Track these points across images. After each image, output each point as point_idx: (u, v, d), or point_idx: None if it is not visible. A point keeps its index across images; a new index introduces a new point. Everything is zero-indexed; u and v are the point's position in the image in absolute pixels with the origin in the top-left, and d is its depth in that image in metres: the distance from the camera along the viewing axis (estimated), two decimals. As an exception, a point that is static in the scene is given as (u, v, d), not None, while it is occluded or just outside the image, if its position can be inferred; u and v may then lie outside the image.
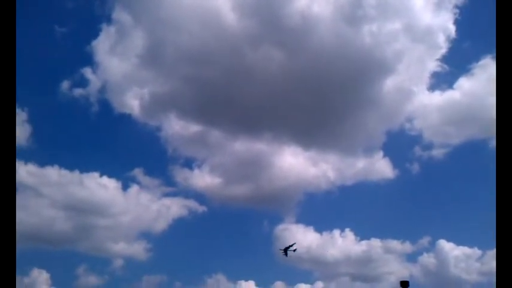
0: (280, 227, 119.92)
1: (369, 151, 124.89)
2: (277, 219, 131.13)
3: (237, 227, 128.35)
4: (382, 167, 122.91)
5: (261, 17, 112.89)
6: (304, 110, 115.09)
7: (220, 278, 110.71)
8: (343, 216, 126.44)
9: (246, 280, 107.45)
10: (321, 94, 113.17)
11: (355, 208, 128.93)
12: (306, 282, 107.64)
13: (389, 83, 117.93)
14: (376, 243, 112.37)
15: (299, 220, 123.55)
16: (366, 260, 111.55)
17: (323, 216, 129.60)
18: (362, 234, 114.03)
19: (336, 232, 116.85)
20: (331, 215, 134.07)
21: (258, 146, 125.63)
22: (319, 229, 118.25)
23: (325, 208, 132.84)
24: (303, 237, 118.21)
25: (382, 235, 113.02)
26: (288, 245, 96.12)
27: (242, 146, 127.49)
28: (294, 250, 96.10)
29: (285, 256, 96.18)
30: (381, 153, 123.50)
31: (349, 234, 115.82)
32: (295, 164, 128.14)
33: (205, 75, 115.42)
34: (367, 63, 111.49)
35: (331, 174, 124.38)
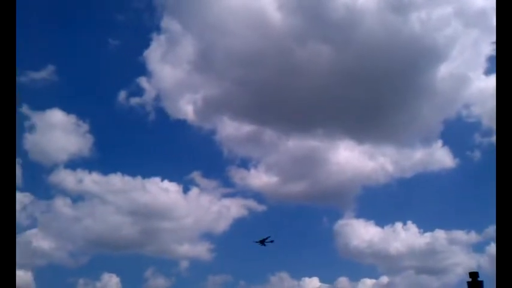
0: (340, 222, 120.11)
1: (426, 141, 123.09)
2: (336, 215, 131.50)
3: (296, 225, 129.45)
4: (441, 157, 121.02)
5: (306, 13, 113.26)
6: (355, 104, 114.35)
7: (284, 275, 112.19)
8: (405, 209, 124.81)
9: (310, 277, 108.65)
10: (372, 86, 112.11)
11: (416, 200, 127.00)
12: (370, 277, 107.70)
13: (443, 70, 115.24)
14: (440, 234, 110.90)
15: (359, 215, 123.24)
16: (430, 252, 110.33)
17: (383, 210, 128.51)
18: (425, 226, 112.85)
19: (398, 225, 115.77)
20: (391, 208, 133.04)
21: (312, 143, 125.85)
22: (380, 223, 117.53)
23: (385, 201, 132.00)
24: (364, 232, 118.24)
25: (446, 226, 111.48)
26: (264, 238, 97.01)
27: (296, 143, 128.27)
28: (271, 241, 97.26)
29: (262, 245, 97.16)
30: (440, 143, 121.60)
31: (412, 226, 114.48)
32: (350, 158, 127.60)
33: (255, 76, 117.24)
34: (418, 51, 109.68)
35: (389, 167, 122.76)
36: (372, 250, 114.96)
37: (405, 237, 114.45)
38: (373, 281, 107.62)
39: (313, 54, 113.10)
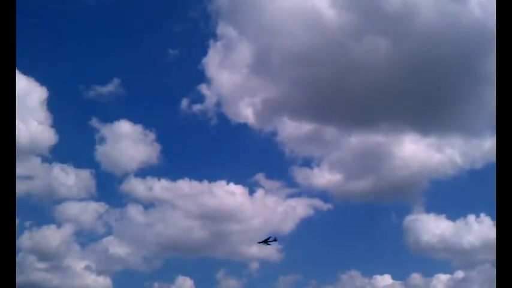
0: (409, 218, 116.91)
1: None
2: (405, 211, 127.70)
3: (364, 222, 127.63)
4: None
5: (360, 8, 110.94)
6: (418, 96, 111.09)
7: (354, 274, 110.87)
8: (477, 201, 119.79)
9: (381, 274, 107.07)
10: (433, 77, 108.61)
11: (489, 191, 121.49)
12: (444, 273, 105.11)
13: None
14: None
15: (428, 209, 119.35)
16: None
17: (454, 203, 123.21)
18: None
19: (471, 218, 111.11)
20: (462, 201, 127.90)
21: (375, 138, 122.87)
22: (451, 217, 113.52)
23: (456, 194, 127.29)
24: (435, 226, 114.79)
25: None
26: (266, 238, 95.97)
27: (358, 139, 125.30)
28: (275, 240, 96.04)
29: (266, 245, 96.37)
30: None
31: (485, 219, 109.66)
32: (416, 151, 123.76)
33: (312, 75, 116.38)
34: (480, 37, 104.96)
35: (458, 159, 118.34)
36: (444, 245, 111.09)
37: (479, 230, 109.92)
38: (448, 276, 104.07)
39: (371, 49, 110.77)
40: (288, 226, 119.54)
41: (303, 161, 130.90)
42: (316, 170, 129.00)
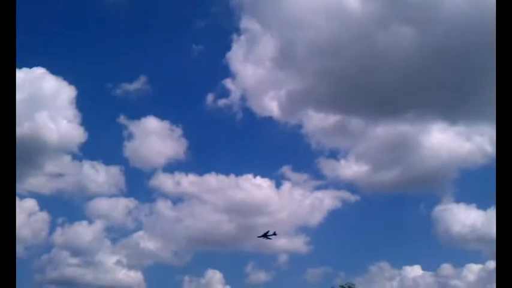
0: (438, 208, 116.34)
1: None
2: (434, 201, 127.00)
3: (393, 213, 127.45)
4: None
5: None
6: (445, 84, 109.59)
7: (384, 265, 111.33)
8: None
9: (411, 265, 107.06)
10: (460, 65, 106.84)
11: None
12: (475, 263, 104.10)
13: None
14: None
15: (458, 199, 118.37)
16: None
17: (485, 193, 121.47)
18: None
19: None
20: (493, 190, 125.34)
21: (402, 128, 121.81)
22: (482, 206, 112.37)
23: (486, 184, 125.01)
24: (465, 216, 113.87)
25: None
26: (265, 232, 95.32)
27: (385, 129, 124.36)
28: (274, 233, 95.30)
29: (267, 239, 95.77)
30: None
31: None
32: (444, 140, 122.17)
33: (337, 66, 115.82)
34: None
35: (488, 147, 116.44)
36: (475, 235, 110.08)
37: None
38: (479, 266, 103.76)
39: (396, 38, 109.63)
40: (316, 218, 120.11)
41: (329, 152, 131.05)
42: (342, 162, 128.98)
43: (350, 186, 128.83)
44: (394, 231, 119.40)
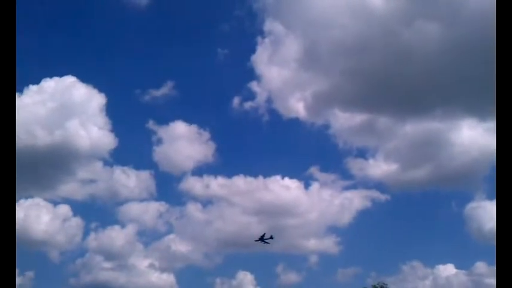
0: (470, 205, 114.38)
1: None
2: (466, 198, 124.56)
3: (424, 211, 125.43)
4: None
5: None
6: (473, 80, 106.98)
7: (416, 264, 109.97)
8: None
9: (444, 264, 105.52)
10: (488, 59, 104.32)
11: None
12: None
13: None
14: None
15: (491, 196, 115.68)
16: None
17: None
18: None
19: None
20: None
21: (430, 125, 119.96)
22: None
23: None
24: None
25: None
26: (261, 235, 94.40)
27: (413, 127, 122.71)
28: (271, 237, 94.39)
29: (266, 243, 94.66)
30: None
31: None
32: (474, 137, 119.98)
33: (362, 64, 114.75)
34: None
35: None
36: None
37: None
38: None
39: (421, 34, 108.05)
40: (345, 219, 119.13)
41: (357, 152, 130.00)
42: (371, 161, 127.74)
43: (379, 185, 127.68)
44: (426, 229, 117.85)
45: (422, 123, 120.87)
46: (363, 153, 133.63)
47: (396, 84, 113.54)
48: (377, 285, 78.97)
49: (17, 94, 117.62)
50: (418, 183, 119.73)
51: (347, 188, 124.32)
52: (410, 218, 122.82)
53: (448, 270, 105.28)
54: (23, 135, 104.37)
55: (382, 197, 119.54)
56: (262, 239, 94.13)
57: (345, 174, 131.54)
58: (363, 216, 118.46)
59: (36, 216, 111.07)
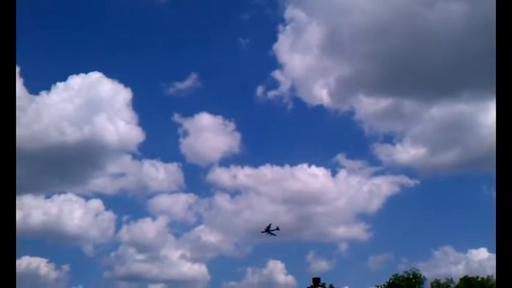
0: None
1: None
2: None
3: (454, 195, 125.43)
4: None
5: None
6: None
7: (448, 249, 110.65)
8: None
9: (476, 248, 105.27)
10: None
11: None
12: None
13: None
14: None
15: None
16: None
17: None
18: None
19: None
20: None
21: (458, 107, 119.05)
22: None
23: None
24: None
25: None
26: (267, 226, 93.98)
27: (440, 110, 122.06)
28: (277, 228, 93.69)
29: (273, 235, 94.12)
30: None
31: None
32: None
33: (385, 48, 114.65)
34: None
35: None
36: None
37: None
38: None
39: (444, 15, 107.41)
40: (374, 205, 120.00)
41: (383, 137, 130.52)
42: (398, 146, 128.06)
43: (408, 170, 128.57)
44: (457, 214, 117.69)
45: (449, 106, 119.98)
46: (389, 139, 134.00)
47: (420, 66, 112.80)
48: (409, 272, 78.69)
49: (45, 92, 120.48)
50: (447, 167, 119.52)
51: (375, 174, 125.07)
52: (441, 202, 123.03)
53: (481, 254, 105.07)
54: (53, 133, 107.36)
55: (411, 182, 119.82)
56: (268, 230, 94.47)
57: (372, 160, 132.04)
58: (392, 202, 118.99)
59: (69, 212, 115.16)
